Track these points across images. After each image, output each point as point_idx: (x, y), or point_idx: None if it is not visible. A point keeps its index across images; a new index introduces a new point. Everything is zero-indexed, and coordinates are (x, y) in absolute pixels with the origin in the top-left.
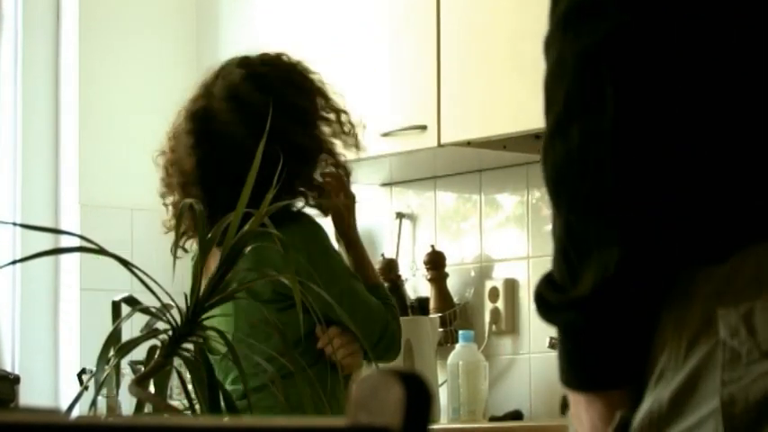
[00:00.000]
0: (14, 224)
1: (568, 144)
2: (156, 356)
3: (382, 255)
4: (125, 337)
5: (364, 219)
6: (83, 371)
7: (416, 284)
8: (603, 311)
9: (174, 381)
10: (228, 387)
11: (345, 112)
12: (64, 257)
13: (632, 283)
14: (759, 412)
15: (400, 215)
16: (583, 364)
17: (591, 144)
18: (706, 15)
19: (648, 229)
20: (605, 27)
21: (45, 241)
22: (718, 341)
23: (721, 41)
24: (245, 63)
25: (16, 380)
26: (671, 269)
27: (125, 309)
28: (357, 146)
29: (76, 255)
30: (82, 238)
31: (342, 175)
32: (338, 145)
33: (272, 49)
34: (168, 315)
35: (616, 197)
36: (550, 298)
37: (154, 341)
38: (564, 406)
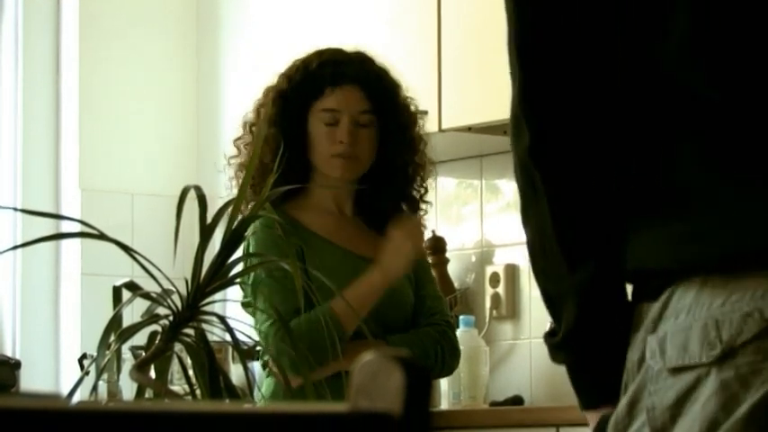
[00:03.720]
0: (15, 209)
1: (529, 230)
2: (156, 342)
3: None
4: (126, 322)
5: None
6: (84, 356)
7: None
8: (575, 351)
9: (175, 366)
10: None
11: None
12: (65, 243)
13: (589, 329)
14: (671, 414)
15: None
16: (578, 390)
17: (541, 229)
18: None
19: (592, 286)
20: (526, 140)
21: (46, 227)
22: (648, 364)
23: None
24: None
25: (17, 365)
26: (625, 308)
27: (126, 294)
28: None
29: (77, 240)
30: (83, 223)
31: (421, 223)
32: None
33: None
34: (169, 300)
35: (566, 266)
36: (547, 343)
37: (155, 326)
38: None
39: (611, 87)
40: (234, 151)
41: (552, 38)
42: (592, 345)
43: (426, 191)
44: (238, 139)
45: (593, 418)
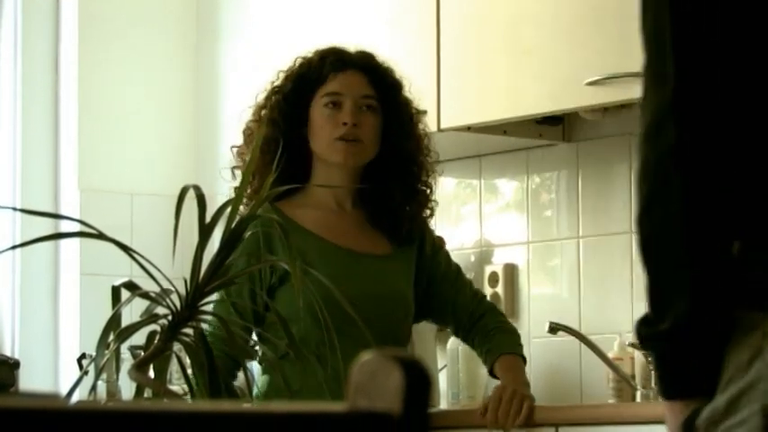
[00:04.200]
0: (14, 209)
1: (651, 222)
2: (155, 341)
3: None
4: (125, 322)
5: None
6: (82, 356)
7: None
8: (682, 342)
9: (174, 366)
10: None
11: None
12: (64, 242)
13: (699, 324)
14: None
15: None
16: (671, 380)
17: (665, 224)
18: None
19: (711, 285)
20: (670, 138)
21: (45, 226)
22: (765, 364)
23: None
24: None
25: (16, 365)
26: (729, 313)
27: (125, 294)
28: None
29: (76, 240)
30: (82, 223)
31: None
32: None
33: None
34: (168, 300)
35: (688, 261)
36: (643, 331)
37: (153, 326)
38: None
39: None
40: (235, 157)
41: (711, 38)
42: (699, 339)
43: (432, 189)
44: (238, 146)
45: (676, 408)
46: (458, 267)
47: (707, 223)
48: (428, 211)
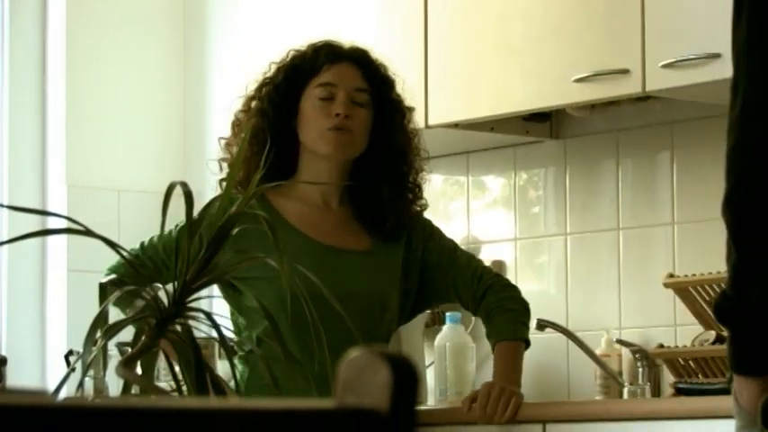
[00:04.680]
0: (1, 205)
1: (745, 201)
2: (143, 338)
3: None
4: (112, 318)
5: None
6: (70, 352)
7: None
8: (764, 319)
9: (162, 362)
10: None
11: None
12: (51, 239)
13: None
14: None
15: None
16: (746, 356)
17: (762, 202)
18: None
19: None
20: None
21: (32, 223)
22: None
23: None
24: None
25: (3, 361)
26: None
27: (112, 290)
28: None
29: (63, 236)
30: (69, 219)
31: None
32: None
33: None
34: (154, 296)
35: None
36: (725, 306)
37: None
38: (730, 380)
39: None
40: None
41: None
42: None
43: (421, 188)
44: (226, 138)
45: (753, 385)
46: (453, 250)
47: None
48: (418, 208)
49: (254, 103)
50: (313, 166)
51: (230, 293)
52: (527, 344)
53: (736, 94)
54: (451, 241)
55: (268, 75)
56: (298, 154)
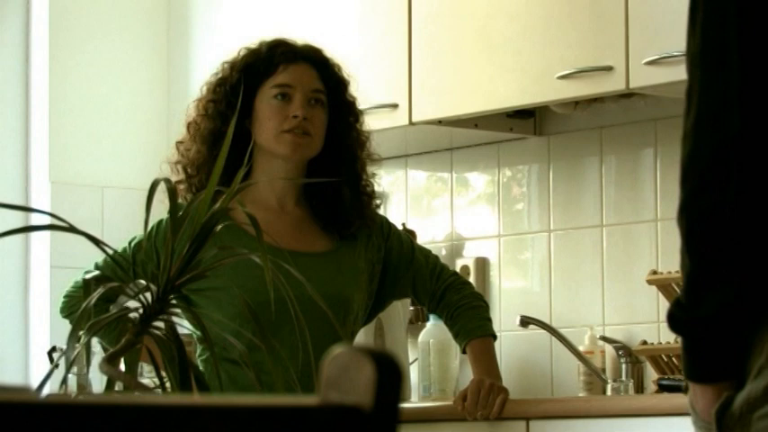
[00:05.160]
0: None
1: (701, 209)
2: (126, 335)
3: None
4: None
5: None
6: (53, 349)
7: None
8: (719, 327)
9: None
10: None
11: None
12: (34, 235)
13: (742, 309)
14: None
15: None
16: (700, 364)
17: (718, 210)
18: None
19: (756, 275)
20: (734, 130)
21: (15, 219)
22: None
23: None
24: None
25: None
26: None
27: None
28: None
29: (47, 233)
30: (52, 215)
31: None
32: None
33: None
34: (137, 291)
35: (737, 250)
36: (679, 315)
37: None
38: (686, 388)
39: None
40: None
41: None
42: (737, 326)
43: (373, 188)
44: (181, 142)
45: (708, 392)
46: (411, 247)
47: (757, 213)
48: (373, 206)
49: (209, 105)
50: (268, 166)
51: (184, 307)
52: (494, 338)
53: (690, 102)
54: (408, 238)
55: (221, 75)
56: (248, 153)
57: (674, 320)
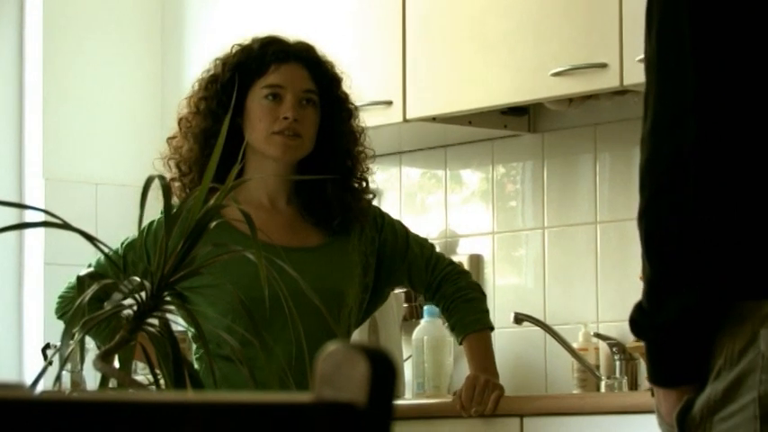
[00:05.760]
0: None
1: (660, 214)
2: (120, 332)
3: None
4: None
5: None
6: (47, 346)
7: None
8: (680, 332)
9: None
10: None
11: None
12: (28, 232)
13: (703, 313)
14: None
15: None
16: (663, 368)
17: (676, 214)
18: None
19: (716, 278)
20: (691, 135)
21: (9, 216)
22: (759, 352)
23: None
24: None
25: None
26: (727, 302)
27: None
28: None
29: (41, 229)
30: (46, 212)
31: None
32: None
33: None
34: (132, 289)
35: (696, 254)
36: (640, 320)
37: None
38: (652, 391)
39: None
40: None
41: (730, 34)
42: (699, 329)
43: (367, 183)
44: (173, 137)
45: (671, 396)
46: (406, 238)
47: (715, 217)
48: (366, 201)
49: (201, 103)
50: (259, 164)
51: (178, 304)
52: (492, 329)
53: (647, 108)
54: (403, 227)
55: (213, 72)
56: (240, 151)
57: (636, 326)
